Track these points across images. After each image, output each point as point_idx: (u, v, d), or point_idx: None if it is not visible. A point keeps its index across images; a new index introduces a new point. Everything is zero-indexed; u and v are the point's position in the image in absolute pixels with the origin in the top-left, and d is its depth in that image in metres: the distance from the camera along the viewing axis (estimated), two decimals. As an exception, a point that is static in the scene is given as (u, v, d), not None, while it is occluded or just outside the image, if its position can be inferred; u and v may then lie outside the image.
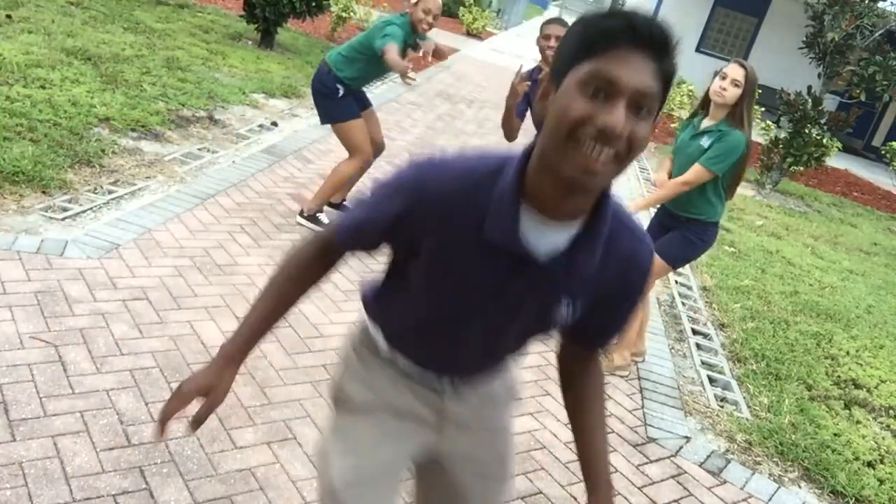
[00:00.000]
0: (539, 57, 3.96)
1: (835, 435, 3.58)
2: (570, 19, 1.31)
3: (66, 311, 2.88)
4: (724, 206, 3.49)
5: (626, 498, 2.78)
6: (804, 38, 11.33)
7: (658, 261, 3.34)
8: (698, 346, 4.26)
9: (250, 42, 9.02)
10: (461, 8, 19.19)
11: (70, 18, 7.33)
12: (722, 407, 3.63)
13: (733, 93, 3.24)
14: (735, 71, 3.25)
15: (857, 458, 3.43)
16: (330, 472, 1.40)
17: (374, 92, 8.37)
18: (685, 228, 3.46)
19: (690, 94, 13.27)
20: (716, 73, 3.50)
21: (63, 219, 3.61)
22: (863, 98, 11.01)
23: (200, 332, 3.01)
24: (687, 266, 4.94)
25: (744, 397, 3.78)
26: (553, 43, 3.84)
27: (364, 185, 4.94)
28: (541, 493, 2.68)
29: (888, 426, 3.85)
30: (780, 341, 4.52)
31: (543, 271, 1.18)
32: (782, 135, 9.91)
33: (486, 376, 1.46)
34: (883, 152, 12.21)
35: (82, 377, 2.55)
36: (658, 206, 3.61)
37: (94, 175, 4.18)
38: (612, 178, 1.09)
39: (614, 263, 1.22)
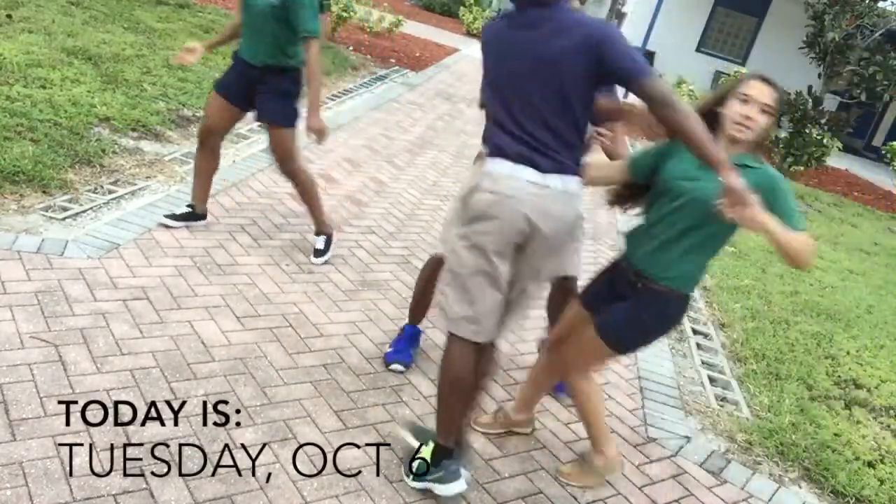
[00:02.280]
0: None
1: (835, 435, 3.57)
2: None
3: (67, 311, 2.88)
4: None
5: (626, 498, 2.78)
6: (804, 38, 11.34)
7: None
8: (699, 346, 4.26)
9: (250, 42, 9.01)
10: (461, 8, 19.21)
11: (70, 18, 7.33)
12: (722, 407, 3.63)
13: (764, 122, 2.24)
14: (762, 91, 2.22)
15: (857, 458, 3.43)
16: None
17: (375, 91, 8.39)
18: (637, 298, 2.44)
19: (691, 93, 13.27)
20: (725, 77, 3.12)
21: (63, 218, 3.61)
22: (863, 98, 11.01)
23: (201, 332, 3.01)
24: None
25: (744, 397, 3.78)
26: (577, 4, 3.39)
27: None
28: (541, 492, 2.68)
29: (888, 426, 3.84)
30: (781, 341, 4.52)
31: None
32: (783, 134, 9.92)
33: None
34: (883, 152, 12.21)
35: (82, 377, 2.55)
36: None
37: (94, 175, 4.18)
38: None
39: None
